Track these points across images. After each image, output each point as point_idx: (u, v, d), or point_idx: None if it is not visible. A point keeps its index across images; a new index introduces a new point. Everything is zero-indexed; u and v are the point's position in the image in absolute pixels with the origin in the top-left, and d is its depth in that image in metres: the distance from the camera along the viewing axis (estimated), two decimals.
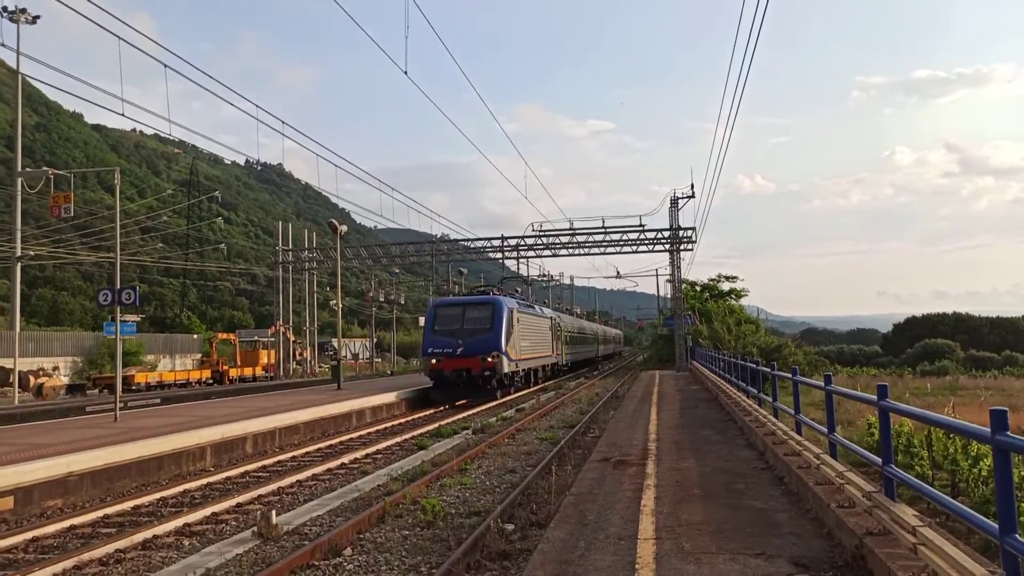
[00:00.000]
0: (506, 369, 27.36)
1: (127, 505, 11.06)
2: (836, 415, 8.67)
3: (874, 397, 6.51)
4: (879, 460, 6.45)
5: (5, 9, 31.29)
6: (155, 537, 9.29)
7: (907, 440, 13.57)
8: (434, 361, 26.77)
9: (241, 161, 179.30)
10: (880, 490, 6.40)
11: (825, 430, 8.56)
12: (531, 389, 33.44)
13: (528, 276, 71.68)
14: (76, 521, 10.05)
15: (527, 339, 31.93)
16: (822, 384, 8.62)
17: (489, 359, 26.51)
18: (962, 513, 4.87)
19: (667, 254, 46.41)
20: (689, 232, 45.15)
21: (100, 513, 10.52)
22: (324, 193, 39.58)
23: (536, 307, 39.53)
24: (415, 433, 18.51)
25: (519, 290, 44.12)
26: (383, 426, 21.00)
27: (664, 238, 45.35)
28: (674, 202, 44.71)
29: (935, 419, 5.78)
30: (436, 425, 20.08)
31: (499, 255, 50.22)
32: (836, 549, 6.27)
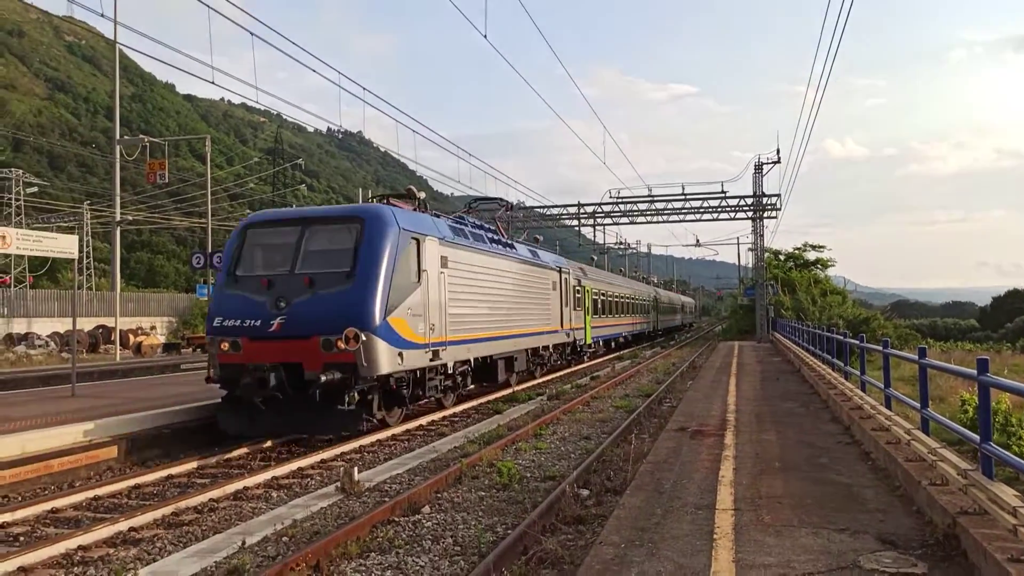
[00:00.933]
0: (384, 366, 12.40)
1: (219, 458, 11.62)
2: (928, 391, 8.29)
3: (973, 371, 6.19)
4: (976, 437, 6.15)
5: None
6: (245, 488, 9.76)
7: (1004, 419, 12.89)
8: (225, 346, 12.31)
9: (323, 129, 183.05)
10: (976, 468, 6.11)
11: (917, 405, 8.22)
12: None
13: (604, 243, 70.90)
14: (173, 471, 10.65)
15: (477, 300, 17.15)
16: (915, 357, 8.25)
17: (340, 344, 11.88)
18: None
19: (749, 222, 45.19)
20: (773, 199, 43.70)
21: (194, 464, 11.10)
22: (403, 160, 39.97)
23: (523, 246, 23.75)
24: (490, 398, 18.74)
25: (498, 219, 23.89)
26: None
27: (747, 205, 44.04)
28: (758, 168, 43.29)
29: None
30: (510, 391, 20.29)
31: (575, 222, 49.89)
32: (927, 528, 6.03)
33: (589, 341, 30.49)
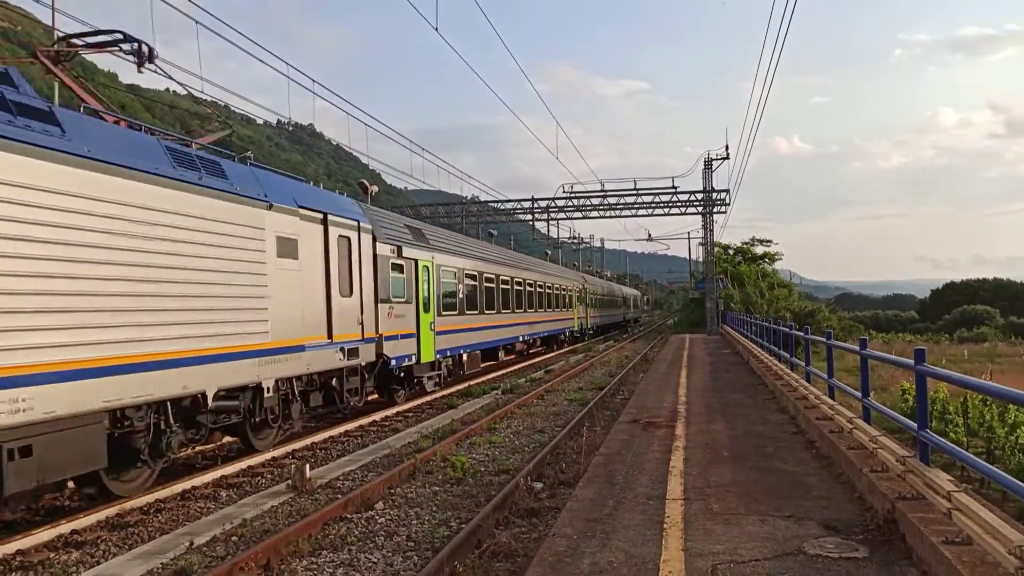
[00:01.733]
0: None
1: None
2: (869, 381, 8.55)
3: (911, 361, 6.40)
4: (914, 425, 6.36)
5: None
6: (193, 488, 9.55)
7: (942, 407, 13.38)
8: None
9: (273, 121, 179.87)
10: (914, 455, 6.32)
11: (859, 394, 8.47)
12: None
13: (558, 238, 71.15)
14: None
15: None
16: (857, 348, 8.50)
17: None
18: (1001, 479, 4.79)
19: (700, 217, 45.83)
20: (723, 194, 44.43)
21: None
22: (355, 153, 39.28)
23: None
24: (445, 392, 18.69)
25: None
26: None
27: (697, 200, 44.69)
28: (708, 163, 43.96)
29: (975, 384, 5.66)
30: (465, 385, 20.25)
31: (529, 217, 49.98)
32: (868, 513, 6.22)
33: (431, 358, 17.99)
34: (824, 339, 11.12)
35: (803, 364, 13.20)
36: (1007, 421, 11.35)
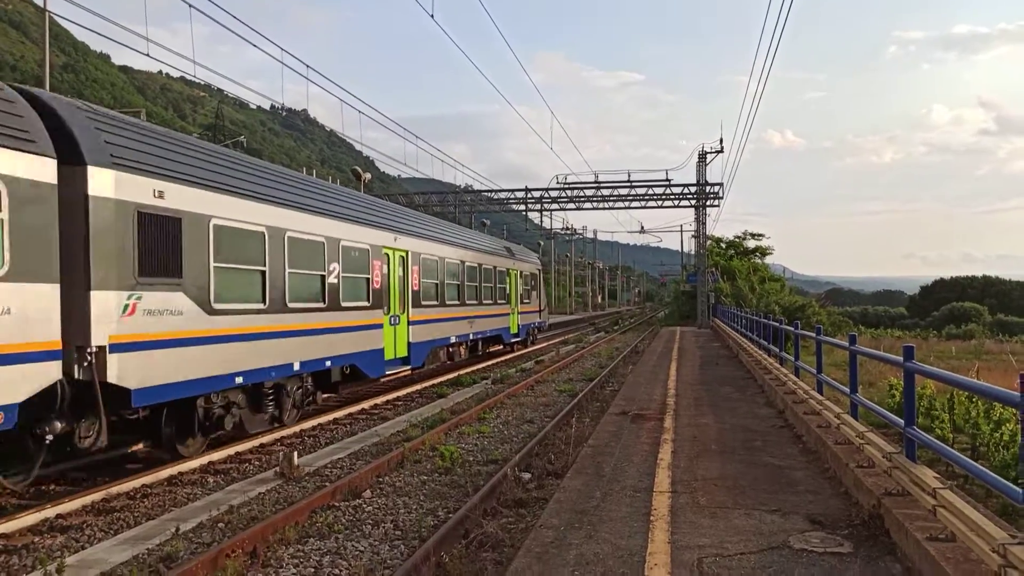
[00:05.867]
0: None
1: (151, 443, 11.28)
2: (857, 376, 8.59)
3: (899, 358, 6.42)
4: (901, 421, 6.39)
5: None
6: (180, 474, 9.52)
7: (928, 403, 13.46)
8: None
9: (266, 106, 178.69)
10: (900, 451, 6.35)
11: (847, 390, 8.50)
12: None
13: (551, 229, 71.14)
14: (101, 457, 10.30)
15: None
16: (846, 344, 8.52)
17: None
18: (985, 476, 4.82)
19: (693, 210, 45.83)
20: (716, 188, 44.45)
21: (126, 449, 10.77)
22: (348, 140, 39.09)
23: None
24: (435, 382, 18.69)
25: None
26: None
27: (690, 193, 44.71)
28: (702, 157, 43.97)
29: (962, 382, 5.69)
30: (455, 374, 20.26)
31: (522, 207, 49.92)
32: (853, 508, 6.26)
33: None
34: (813, 334, 11.16)
35: (792, 359, 13.25)
36: (992, 418, 11.43)
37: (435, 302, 19.01)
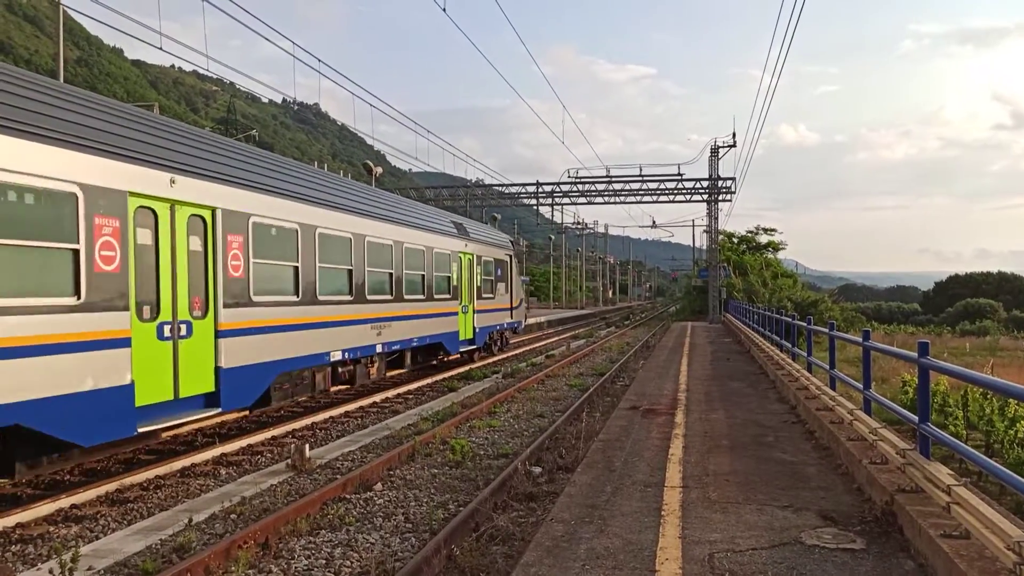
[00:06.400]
0: None
1: (166, 434, 11.38)
2: (871, 373, 8.53)
3: (914, 354, 6.37)
4: (915, 417, 6.34)
5: None
6: (192, 465, 9.59)
7: (942, 400, 13.37)
8: None
9: (278, 100, 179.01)
10: (914, 448, 6.30)
11: (860, 386, 8.45)
12: None
13: (563, 223, 70.95)
14: (115, 449, 10.38)
15: None
16: (859, 339, 8.47)
17: None
18: (1000, 473, 4.77)
19: (705, 204, 45.65)
20: (728, 182, 44.26)
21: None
22: (359, 134, 39.14)
23: None
24: (445, 375, 18.72)
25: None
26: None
27: (703, 188, 44.52)
28: (714, 151, 43.76)
29: (977, 378, 5.63)
30: (466, 368, 20.28)
31: (533, 201, 49.88)
32: (866, 505, 6.22)
33: None
34: (826, 330, 11.10)
35: (805, 354, 13.18)
36: (1007, 415, 11.34)
37: (285, 297, 11.64)
